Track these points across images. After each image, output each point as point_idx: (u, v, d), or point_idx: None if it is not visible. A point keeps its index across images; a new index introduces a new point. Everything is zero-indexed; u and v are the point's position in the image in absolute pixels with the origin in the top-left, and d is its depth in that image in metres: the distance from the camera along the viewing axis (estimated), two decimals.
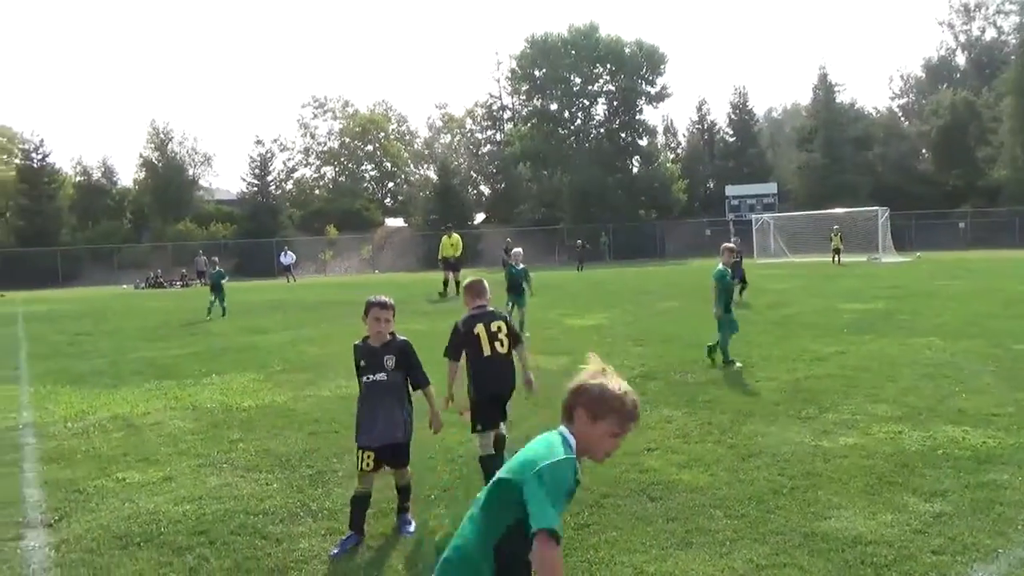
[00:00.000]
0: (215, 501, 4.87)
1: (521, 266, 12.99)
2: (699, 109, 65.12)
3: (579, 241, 41.65)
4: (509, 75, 68.81)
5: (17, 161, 60.12)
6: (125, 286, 44.67)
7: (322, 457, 5.76)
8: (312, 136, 77.85)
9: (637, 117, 60.94)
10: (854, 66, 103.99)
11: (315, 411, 7.30)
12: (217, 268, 19.37)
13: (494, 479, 2.34)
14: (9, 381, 9.96)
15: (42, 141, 57.05)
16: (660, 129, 66.93)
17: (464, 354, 5.10)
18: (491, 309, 5.19)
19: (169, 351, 12.23)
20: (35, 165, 56.69)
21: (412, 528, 4.34)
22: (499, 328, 5.02)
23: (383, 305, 4.39)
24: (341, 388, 8.40)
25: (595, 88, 60.78)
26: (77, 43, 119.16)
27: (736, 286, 14.51)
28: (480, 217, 67.98)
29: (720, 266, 9.45)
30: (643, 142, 61.74)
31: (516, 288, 12.57)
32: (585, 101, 61.25)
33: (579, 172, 57.51)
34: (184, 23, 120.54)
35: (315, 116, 78.21)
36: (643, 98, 60.28)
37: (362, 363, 4.40)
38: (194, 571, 3.88)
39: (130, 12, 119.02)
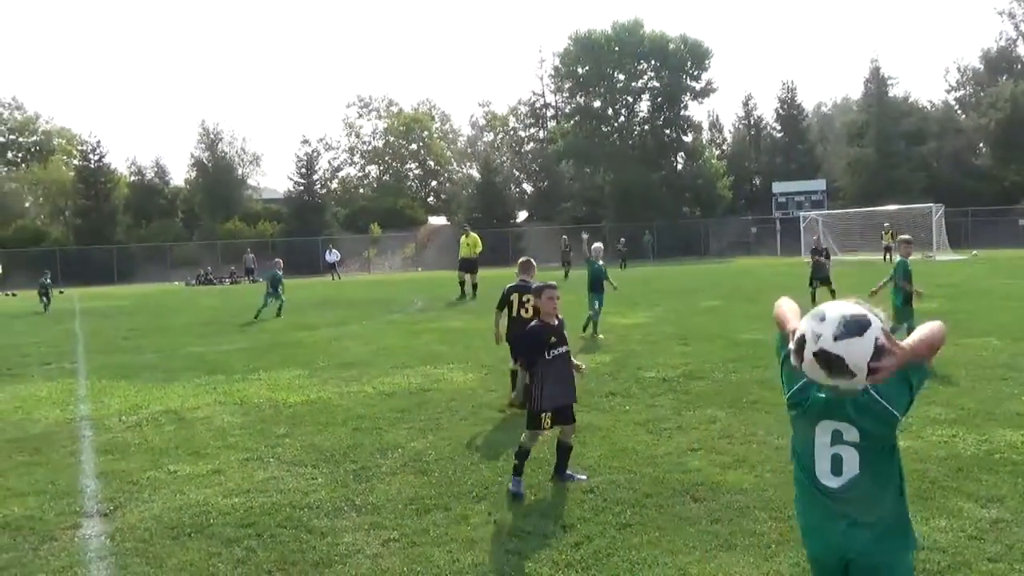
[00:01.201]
0: (262, 494, 4.97)
1: (600, 263, 12.75)
2: (745, 104, 64.09)
3: (622, 239, 41.04)
4: (552, 73, 68.63)
5: (75, 162, 62.23)
6: (177, 283, 45.82)
7: (365, 453, 5.83)
8: (357, 135, 78.81)
9: (681, 113, 60.20)
10: (908, 58, 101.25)
11: (359, 407, 7.40)
12: (279, 268, 19.53)
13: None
14: (68, 375, 10.30)
15: (99, 142, 58.95)
16: (705, 125, 66.02)
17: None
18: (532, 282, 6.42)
19: (218, 347, 12.51)
20: (92, 165, 58.50)
21: (584, 477, 5.04)
22: (527, 299, 6.35)
23: (554, 287, 5.24)
24: (384, 384, 8.49)
25: (639, 85, 60.22)
26: (132, 46, 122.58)
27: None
28: (523, 215, 68.00)
29: (899, 258, 9.28)
30: (687, 138, 60.97)
31: (598, 286, 12.24)
32: (628, 98, 60.74)
33: (622, 169, 57.09)
34: (234, 25, 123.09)
35: (360, 116, 79.13)
36: (688, 94, 59.53)
37: (553, 339, 5.02)
38: (242, 562, 3.96)
39: (183, 15, 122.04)
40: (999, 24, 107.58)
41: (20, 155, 72.49)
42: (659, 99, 59.97)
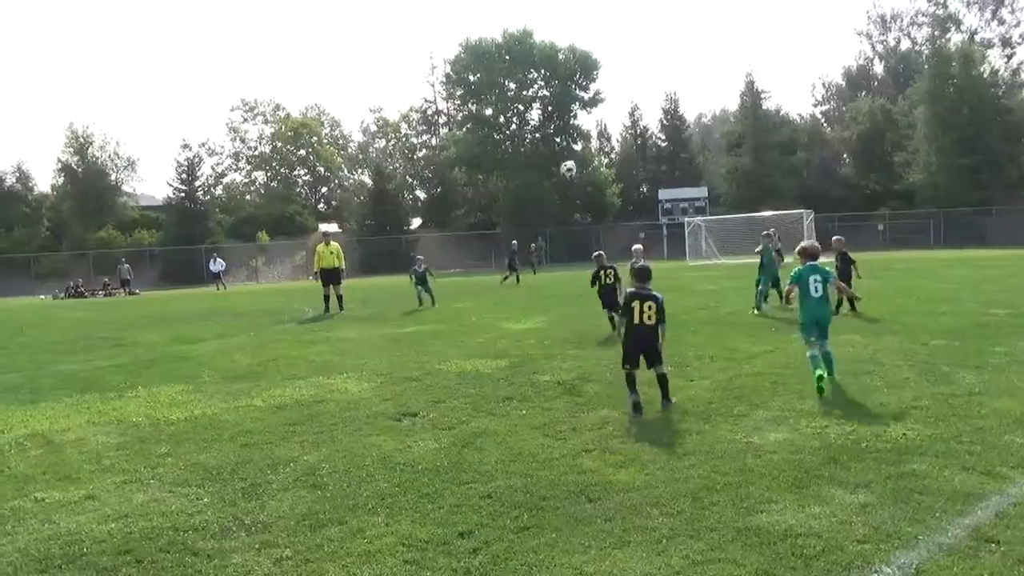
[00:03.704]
0: (141, 518, 4.69)
1: (642, 262, 12.95)
2: (632, 114, 66.34)
3: (532, 245, 39.47)
4: (444, 80, 68.74)
5: None
6: (43, 296, 42.72)
7: (255, 469, 5.61)
8: (242, 140, 76.09)
9: (571, 122, 61.64)
10: (779, 74, 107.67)
11: (247, 422, 7.12)
12: (424, 266, 19.57)
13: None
14: None
15: None
16: (594, 134, 67.92)
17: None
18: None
19: (92, 363, 11.74)
20: None
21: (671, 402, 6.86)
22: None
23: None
24: (274, 397, 8.21)
25: (530, 93, 61.18)
26: None
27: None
28: (416, 222, 67.56)
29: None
30: (578, 147, 62.45)
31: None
32: (520, 106, 61.58)
33: (515, 176, 57.78)
34: (105, 20, 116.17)
35: (245, 120, 76.46)
36: (577, 103, 61.00)
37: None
38: None
39: (47, 8, 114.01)
40: (858, 44, 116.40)
41: None
42: (549, 107, 61.16)
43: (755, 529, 4.11)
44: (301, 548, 4.15)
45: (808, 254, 8.10)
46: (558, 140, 61.86)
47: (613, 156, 68.11)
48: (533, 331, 13.07)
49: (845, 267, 13.63)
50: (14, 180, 58.83)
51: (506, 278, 28.03)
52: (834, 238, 14.54)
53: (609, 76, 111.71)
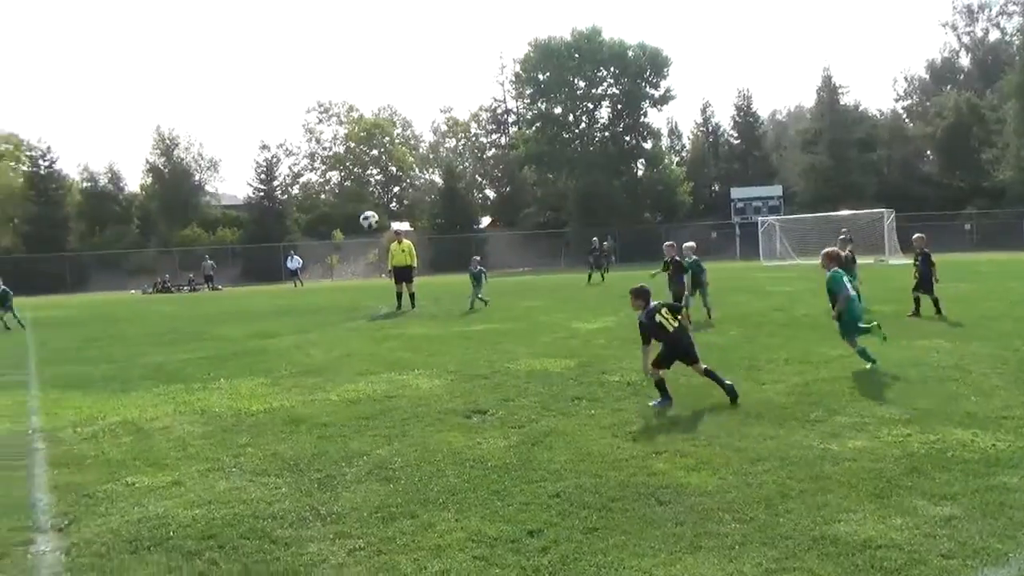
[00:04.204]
0: (224, 505, 4.89)
1: (694, 258, 14.08)
2: (703, 112, 65.22)
3: (604, 243, 34.54)
4: (513, 79, 68.96)
5: (24, 168, 60.46)
6: (133, 291, 44.84)
7: (330, 461, 5.77)
8: (317, 141, 78.16)
9: (641, 120, 61.01)
10: (858, 68, 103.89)
11: (322, 415, 7.32)
12: (479, 267, 19.41)
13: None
14: (18, 387, 10.00)
15: (49, 148, 57.52)
16: (664, 132, 67.00)
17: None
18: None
19: (177, 356, 12.27)
20: (42, 172, 57.00)
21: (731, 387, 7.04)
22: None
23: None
24: (348, 392, 8.42)
25: (599, 91, 60.83)
26: (82, 49, 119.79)
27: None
28: (486, 221, 68.05)
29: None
30: (647, 145, 61.76)
31: (699, 280, 14.03)
32: (589, 104, 61.30)
33: (584, 175, 57.55)
34: (189, 27, 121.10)
35: (320, 121, 78.52)
36: (647, 101, 60.32)
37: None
38: (204, 575, 3.89)
39: (135, 17, 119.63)
40: (943, 36, 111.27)
41: None
42: (619, 106, 60.67)
43: (832, 538, 4.00)
44: (373, 539, 4.25)
45: (836, 259, 8.86)
46: (627, 138, 61.32)
47: (684, 154, 67.09)
48: (602, 331, 13.00)
49: (925, 267, 12.98)
50: (107, 181, 61.98)
51: (591, 276, 27.85)
52: (915, 236, 13.91)
53: (680, 73, 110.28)
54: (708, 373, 7.23)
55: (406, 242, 19.77)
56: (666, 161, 61.92)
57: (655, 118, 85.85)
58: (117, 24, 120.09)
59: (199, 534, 4.42)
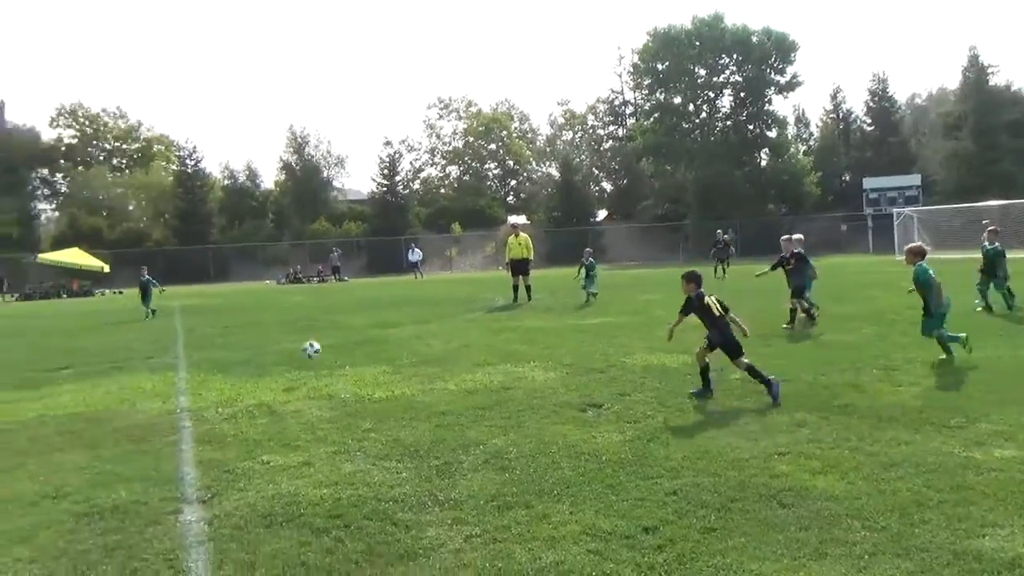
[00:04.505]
0: (349, 487, 5.12)
1: (799, 250, 12.99)
2: (834, 97, 62.03)
3: (724, 236, 31.35)
4: (631, 70, 68.00)
5: (174, 167, 65.53)
6: (268, 282, 47.62)
7: (448, 449, 5.92)
8: (437, 136, 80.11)
9: (766, 108, 58.63)
10: (1009, 46, 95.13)
11: (441, 404, 7.52)
12: (591, 259, 19.47)
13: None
14: (168, 369, 10.87)
15: (195, 148, 62.08)
16: (791, 120, 64.08)
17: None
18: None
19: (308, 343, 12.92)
20: (189, 170, 61.50)
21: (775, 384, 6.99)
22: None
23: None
24: (465, 382, 8.60)
25: (721, 79, 58.95)
26: (225, 55, 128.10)
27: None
28: (602, 213, 67.58)
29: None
30: (772, 134, 59.31)
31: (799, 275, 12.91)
32: (710, 93, 59.53)
33: (704, 166, 56.02)
34: (320, 31, 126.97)
35: (440, 116, 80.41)
36: (772, 88, 57.91)
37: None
38: (331, 552, 4.09)
39: (272, 23, 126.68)
40: None
41: (124, 161, 76.81)
42: (742, 94, 58.58)
43: (975, 554, 3.71)
44: (489, 527, 4.33)
45: (920, 254, 8.87)
46: (751, 127, 59.16)
47: (812, 143, 63.97)
48: None
49: None
50: (245, 178, 66.16)
51: (716, 270, 27.12)
52: None
53: (808, 58, 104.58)
54: (750, 369, 7.23)
55: (523, 235, 19.95)
56: (792, 150, 59.26)
57: (780, 106, 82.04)
58: (255, 30, 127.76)
59: (326, 513, 4.65)
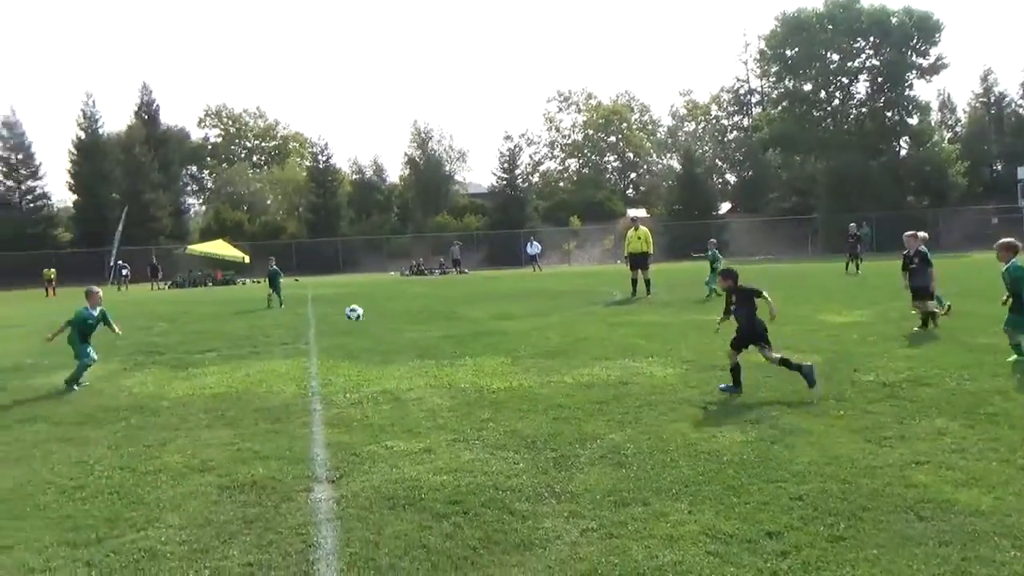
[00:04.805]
0: (468, 474, 5.24)
1: (923, 248, 12.16)
2: (984, 80, 57.34)
3: (857, 230, 28.59)
4: (757, 57, 65.47)
5: (307, 163, 69.12)
6: (392, 273, 49.36)
7: (565, 441, 5.94)
8: (557, 129, 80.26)
9: (905, 93, 54.88)
10: None
11: (559, 396, 7.55)
12: (714, 250, 19.59)
13: None
14: (302, 355, 11.49)
15: (326, 145, 65.42)
16: (934, 105, 59.71)
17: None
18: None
19: (429, 333, 13.33)
20: (321, 166, 64.63)
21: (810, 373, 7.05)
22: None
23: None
24: (583, 375, 8.59)
25: (855, 64, 55.73)
26: (353, 55, 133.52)
27: None
28: (725, 206, 65.56)
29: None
30: (913, 121, 55.50)
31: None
32: (843, 79, 56.41)
33: (836, 156, 53.17)
34: (443, 29, 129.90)
35: (560, 110, 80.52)
36: (913, 71, 54.16)
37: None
38: (450, 537, 4.20)
39: (398, 24, 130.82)
40: None
41: (263, 158, 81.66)
42: (879, 79, 55.16)
43: None
44: (605, 522, 4.31)
45: (1014, 249, 8.32)
46: (889, 114, 55.59)
47: (958, 130, 59.36)
48: (855, 325, 11.98)
49: None
50: (371, 172, 68.81)
51: (847, 266, 25.80)
52: None
53: (955, 38, 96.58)
54: (783, 362, 7.27)
55: (642, 229, 19.68)
56: (935, 138, 55.23)
57: (922, 90, 76.70)
58: (383, 31, 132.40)
59: (446, 499, 4.79)
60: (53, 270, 40.96)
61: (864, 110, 56.42)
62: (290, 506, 4.77)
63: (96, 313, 9.72)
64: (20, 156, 58.77)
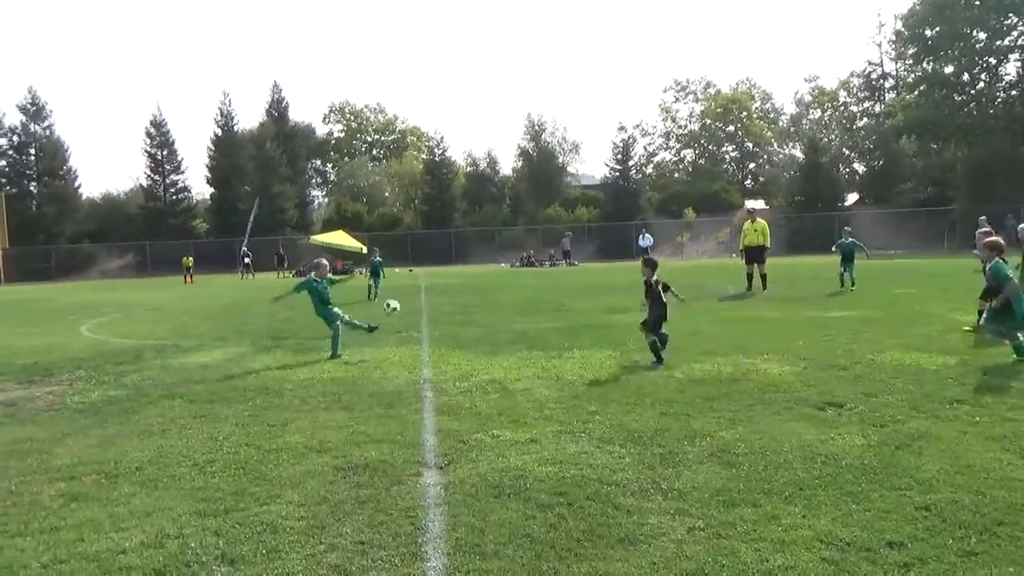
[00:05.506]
0: (573, 466, 5.23)
1: (989, 239, 11.74)
2: None
3: (1007, 221, 28.60)
4: (893, 38, 61.58)
5: (423, 156, 70.96)
6: (504, 264, 49.91)
7: (672, 438, 5.83)
8: (673, 120, 78.59)
9: None
10: None
11: (667, 391, 7.41)
12: (851, 239, 18.82)
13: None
14: (414, 343, 11.83)
15: (442, 138, 67.02)
16: None
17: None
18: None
19: (537, 325, 13.40)
20: (436, 159, 66.16)
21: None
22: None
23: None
24: (693, 370, 8.40)
25: (1006, 43, 51.30)
26: (470, 49, 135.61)
27: None
28: (852, 198, 62.21)
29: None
30: None
31: None
32: (991, 59, 52.11)
33: (980, 144, 49.28)
34: (557, 21, 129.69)
35: (677, 99, 78.75)
36: None
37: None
38: (554, 527, 4.22)
39: (514, 18, 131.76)
40: None
41: (382, 152, 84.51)
42: None
43: None
44: (713, 522, 4.20)
45: (998, 248, 8.62)
46: None
47: None
48: None
49: None
50: (485, 165, 69.77)
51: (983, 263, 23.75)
52: None
53: None
54: (655, 342, 9.09)
55: (760, 221, 18.94)
56: None
57: None
58: (497, 26, 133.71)
59: (551, 490, 4.80)
60: (191, 258, 44.05)
61: (1014, 93, 51.91)
62: (400, 489, 4.93)
63: (324, 282, 11.08)
64: (165, 152, 63.37)
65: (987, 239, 9.08)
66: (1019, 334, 8.15)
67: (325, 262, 11.56)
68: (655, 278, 9.38)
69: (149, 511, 4.69)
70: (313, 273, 11.16)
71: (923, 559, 3.65)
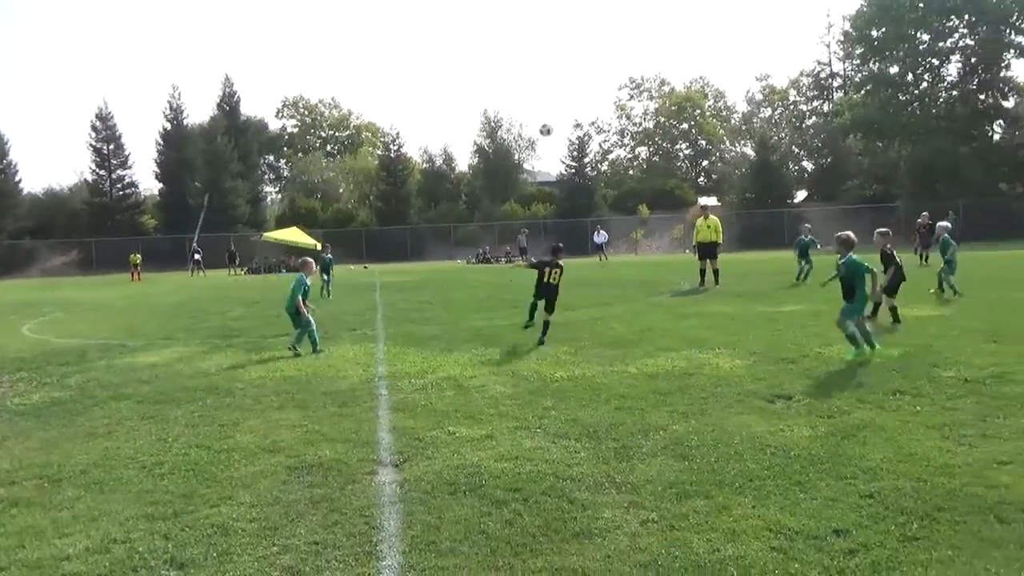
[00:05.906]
0: (529, 462, 5.25)
1: (945, 236, 13.66)
2: None
3: (947, 217, 27.55)
4: (841, 38, 63.15)
5: (379, 152, 70.30)
6: (459, 261, 49.80)
7: (627, 432, 5.89)
8: (628, 117, 79.28)
9: (1001, 74, 51.97)
10: None
11: (621, 387, 7.49)
12: (810, 236, 19.46)
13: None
14: (369, 340, 11.73)
15: (398, 134, 66.32)
16: None
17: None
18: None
19: (494, 321, 13.41)
20: (392, 155, 65.61)
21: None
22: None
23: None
24: (647, 366, 8.50)
25: (947, 45, 53.02)
26: (425, 45, 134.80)
27: None
28: (801, 195, 63.64)
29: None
30: (1009, 103, 52.54)
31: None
32: (934, 60, 53.78)
33: (923, 142, 50.85)
34: (512, 18, 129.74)
35: (631, 97, 79.48)
36: (1012, 51, 51.20)
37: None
38: (510, 523, 4.23)
39: (468, 14, 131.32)
40: None
41: (337, 147, 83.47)
42: (973, 60, 52.39)
43: None
44: (667, 514, 4.26)
45: (849, 244, 8.83)
46: (982, 97, 52.72)
47: None
48: (936, 318, 11.47)
49: None
50: (441, 161, 69.47)
51: (921, 256, 24.61)
52: None
53: None
54: (546, 324, 10.80)
55: (712, 217, 19.22)
56: None
57: (1021, 71, 72.53)
58: (452, 22, 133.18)
59: (507, 485, 4.81)
60: (139, 255, 42.93)
61: (955, 93, 53.66)
62: (355, 488, 4.89)
63: (310, 282, 11.06)
64: (112, 147, 61.61)
65: (840, 234, 9.16)
66: (849, 322, 8.43)
67: (311, 260, 11.61)
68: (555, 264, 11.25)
69: (94, 516, 4.57)
70: (304, 271, 11.17)
71: (867, 545, 3.77)
